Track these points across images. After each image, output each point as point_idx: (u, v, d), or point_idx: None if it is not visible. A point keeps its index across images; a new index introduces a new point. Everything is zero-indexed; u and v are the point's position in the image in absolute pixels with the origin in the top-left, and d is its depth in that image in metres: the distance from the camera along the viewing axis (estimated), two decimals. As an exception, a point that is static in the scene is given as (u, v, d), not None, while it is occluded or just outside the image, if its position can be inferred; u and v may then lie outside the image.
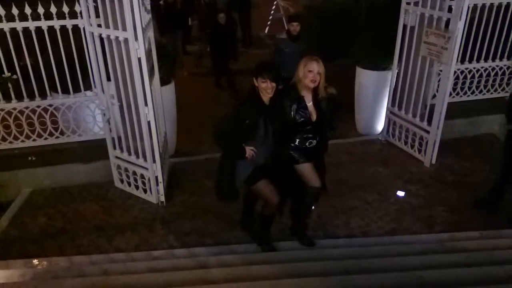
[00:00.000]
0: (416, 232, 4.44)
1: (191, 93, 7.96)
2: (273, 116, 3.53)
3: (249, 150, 3.49)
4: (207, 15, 9.04)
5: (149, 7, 4.62)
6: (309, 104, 3.67)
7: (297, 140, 3.72)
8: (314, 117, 3.67)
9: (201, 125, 6.70)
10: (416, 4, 5.33)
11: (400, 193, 5.02)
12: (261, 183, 3.64)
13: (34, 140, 5.32)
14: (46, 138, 5.36)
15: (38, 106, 5.19)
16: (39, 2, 4.57)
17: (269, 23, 12.35)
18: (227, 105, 7.45)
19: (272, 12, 12.57)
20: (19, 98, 5.12)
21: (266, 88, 3.41)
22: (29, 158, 5.18)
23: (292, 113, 3.60)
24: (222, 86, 8.37)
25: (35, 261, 3.97)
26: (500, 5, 5.89)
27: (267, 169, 3.67)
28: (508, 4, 5.92)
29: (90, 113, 5.36)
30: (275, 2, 12.62)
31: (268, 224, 3.99)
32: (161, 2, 9.07)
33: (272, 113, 3.52)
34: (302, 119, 3.63)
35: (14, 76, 5.01)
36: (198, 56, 9.52)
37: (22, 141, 5.30)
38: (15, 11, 4.58)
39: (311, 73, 3.53)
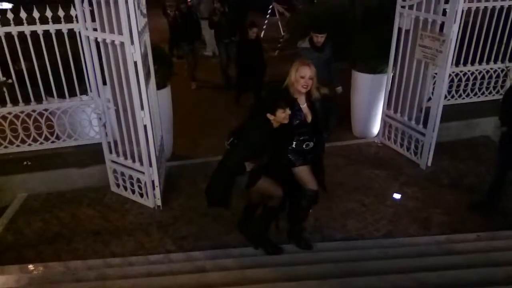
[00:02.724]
0: (413, 234, 4.44)
1: (187, 96, 7.96)
2: (282, 134, 3.63)
3: (248, 166, 3.56)
4: (223, 25, 8.53)
5: (145, 11, 4.63)
6: (303, 106, 3.71)
7: (294, 142, 3.73)
8: (309, 118, 3.71)
9: (197, 129, 6.71)
10: (411, 7, 5.36)
11: (397, 196, 5.03)
12: (261, 181, 3.67)
13: (29, 144, 5.30)
14: (41, 143, 5.33)
15: (34, 111, 5.17)
16: (34, 6, 4.55)
17: (264, 27, 12.38)
18: (223, 109, 7.50)
19: (267, 16, 12.60)
20: (14, 102, 5.10)
21: (286, 116, 3.49)
22: (25, 162, 5.15)
23: None
24: (239, 103, 7.71)
25: (31, 267, 3.94)
26: (494, 8, 5.95)
27: (262, 168, 3.70)
28: (501, 8, 5.97)
29: (86, 117, 5.34)
30: (270, 6, 12.65)
31: (270, 221, 3.99)
32: (176, 12, 8.83)
33: (281, 131, 3.62)
34: (297, 121, 3.66)
35: (9, 81, 4.99)
36: (223, 69, 8.90)
37: (17, 145, 5.27)
38: (10, 15, 4.57)
39: (303, 79, 3.58)
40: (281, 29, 12.03)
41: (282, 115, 3.47)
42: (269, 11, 12.66)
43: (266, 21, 12.47)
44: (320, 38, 5.53)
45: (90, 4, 4.24)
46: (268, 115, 3.49)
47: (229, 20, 8.53)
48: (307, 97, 3.70)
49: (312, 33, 5.55)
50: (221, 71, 8.88)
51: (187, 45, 8.63)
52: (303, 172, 3.80)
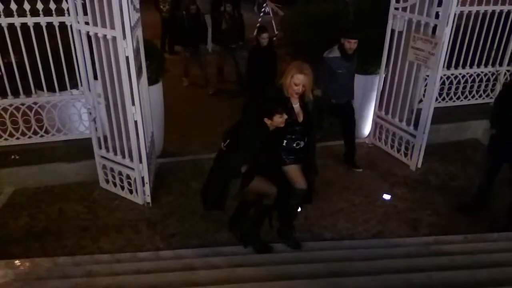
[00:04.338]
0: (402, 235, 4.48)
1: (179, 93, 7.91)
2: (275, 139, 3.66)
3: (243, 167, 3.57)
4: (231, 28, 8.03)
5: (138, 5, 4.58)
6: (296, 105, 3.72)
7: (285, 141, 3.75)
8: (300, 118, 3.73)
9: (189, 126, 6.67)
10: (404, 9, 5.39)
11: (386, 196, 5.06)
12: (255, 181, 3.67)
13: (17, 138, 5.22)
14: (30, 137, 5.26)
15: (23, 104, 5.09)
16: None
17: (258, 25, 12.37)
18: (214, 106, 7.47)
19: (261, 14, 12.59)
20: (3, 95, 5.02)
21: (283, 121, 3.50)
22: (12, 156, 5.08)
23: None
24: None
25: (18, 262, 3.87)
26: (485, 12, 6.00)
27: (255, 168, 3.70)
28: (493, 12, 6.03)
29: (76, 112, 5.29)
30: (264, 5, 12.64)
31: (262, 220, 3.99)
32: (184, 12, 8.18)
33: (275, 137, 3.65)
34: (289, 120, 3.66)
35: (-2, 73, 4.92)
36: (218, 71, 8.71)
37: (5, 139, 5.20)
38: (0, 6, 4.49)
39: (296, 86, 3.61)
40: (274, 28, 12.02)
41: (279, 120, 3.49)
42: (263, 9, 12.66)
43: (259, 19, 12.47)
44: (353, 44, 5.11)
45: (82, -3, 4.20)
46: (266, 120, 3.50)
47: (237, 24, 8.15)
48: (300, 97, 3.72)
49: (344, 39, 5.14)
50: (217, 71, 8.68)
51: (193, 48, 8.19)
52: (292, 171, 3.81)
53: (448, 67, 6.28)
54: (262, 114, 3.51)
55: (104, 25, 4.11)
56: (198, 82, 8.60)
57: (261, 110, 3.54)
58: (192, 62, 8.43)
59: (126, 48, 4.07)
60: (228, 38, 8.04)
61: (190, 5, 8.09)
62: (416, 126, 5.47)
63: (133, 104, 4.31)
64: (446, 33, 4.92)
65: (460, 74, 6.41)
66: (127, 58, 4.11)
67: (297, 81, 3.59)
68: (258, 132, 3.54)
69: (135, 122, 4.41)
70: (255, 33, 6.57)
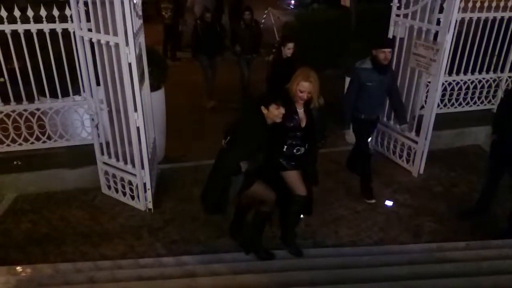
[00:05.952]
0: (404, 242, 4.46)
1: (181, 99, 7.91)
2: (274, 136, 3.65)
3: (243, 166, 3.54)
4: (247, 38, 7.54)
5: (140, 12, 4.61)
6: (300, 110, 3.75)
7: (285, 146, 3.76)
8: (303, 123, 3.75)
9: (191, 132, 6.68)
10: (405, 16, 5.41)
11: (388, 203, 5.04)
12: (255, 186, 3.67)
13: (20, 144, 5.23)
14: (32, 143, 5.27)
15: (25, 110, 5.11)
16: (28, 5, 4.52)
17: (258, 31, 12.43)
18: (217, 113, 7.46)
19: (263, 21, 12.63)
20: (6, 101, 5.04)
21: (279, 114, 3.49)
22: (15, 162, 5.09)
23: None
24: None
25: (19, 268, 3.87)
26: (486, 19, 6.02)
27: (257, 172, 3.69)
28: (494, 19, 6.05)
29: (78, 118, 5.30)
30: (266, 11, 12.68)
31: (262, 226, 3.97)
32: (198, 21, 7.69)
33: (274, 132, 3.64)
34: (291, 124, 3.69)
35: (1, 79, 4.94)
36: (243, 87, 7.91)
37: (8, 145, 5.21)
38: (3, 13, 4.52)
39: (301, 93, 3.65)
40: (276, 34, 12.05)
41: (275, 112, 3.48)
42: (264, 16, 12.70)
43: (261, 26, 12.51)
44: (388, 54, 4.60)
45: (85, 4, 4.22)
46: (262, 108, 3.50)
47: (254, 33, 7.66)
48: (305, 103, 3.75)
49: (376, 50, 4.62)
50: (241, 90, 7.91)
51: (207, 59, 7.58)
52: (292, 177, 3.82)
53: (450, 73, 6.29)
54: (260, 102, 3.53)
55: (107, 32, 4.13)
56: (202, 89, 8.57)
57: (259, 101, 3.56)
58: (207, 75, 7.77)
59: (129, 54, 4.09)
60: (243, 47, 7.54)
61: (205, 13, 7.67)
62: (418, 132, 5.47)
63: (135, 110, 4.32)
64: (447, 40, 4.94)
65: (461, 80, 6.42)
66: (129, 64, 4.13)
67: (302, 88, 3.64)
68: (255, 122, 3.53)
69: (137, 128, 4.42)
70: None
